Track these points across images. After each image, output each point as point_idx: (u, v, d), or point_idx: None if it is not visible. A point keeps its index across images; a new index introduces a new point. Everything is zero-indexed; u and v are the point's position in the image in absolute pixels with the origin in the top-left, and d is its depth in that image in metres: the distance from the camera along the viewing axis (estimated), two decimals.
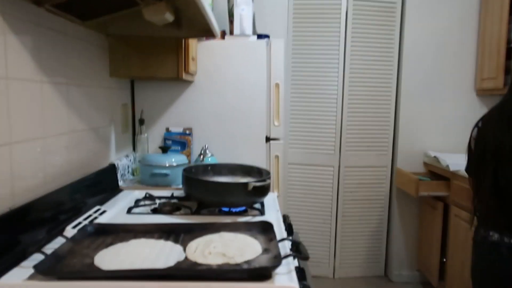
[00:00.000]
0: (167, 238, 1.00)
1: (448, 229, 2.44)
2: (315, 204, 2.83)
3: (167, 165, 1.64)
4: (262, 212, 1.30)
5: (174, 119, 1.93)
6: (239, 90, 1.93)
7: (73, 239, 0.95)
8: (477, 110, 2.76)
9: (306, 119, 2.75)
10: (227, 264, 0.84)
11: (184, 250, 0.92)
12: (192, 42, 1.71)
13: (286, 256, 0.85)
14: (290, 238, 0.93)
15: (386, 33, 2.70)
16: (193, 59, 1.72)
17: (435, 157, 2.58)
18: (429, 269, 2.66)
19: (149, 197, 1.47)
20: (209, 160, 1.82)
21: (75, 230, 1.03)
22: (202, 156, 1.81)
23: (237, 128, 1.95)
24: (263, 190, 1.30)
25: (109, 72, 1.64)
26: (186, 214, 1.28)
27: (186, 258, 0.87)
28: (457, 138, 2.79)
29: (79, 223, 1.10)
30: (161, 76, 1.59)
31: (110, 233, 1.01)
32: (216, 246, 0.93)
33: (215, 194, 1.24)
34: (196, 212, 1.28)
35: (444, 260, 2.51)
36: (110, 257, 0.85)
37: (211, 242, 0.95)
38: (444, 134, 2.79)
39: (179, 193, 1.54)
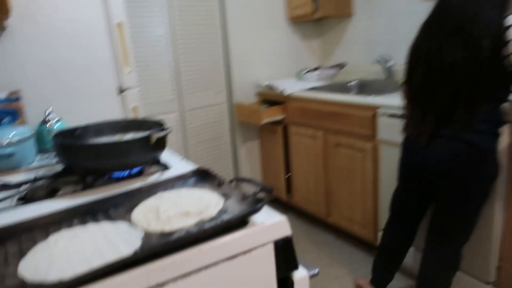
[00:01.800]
0: (95, 219, 0.77)
1: (289, 147, 2.76)
2: None
3: (9, 142, 1.23)
4: (165, 165, 1.15)
5: None
6: (74, 35, 1.56)
7: None
8: (290, 37, 3.07)
9: (140, 67, 2.50)
10: (204, 221, 0.71)
11: (131, 225, 0.73)
12: None
13: (257, 193, 0.78)
14: (244, 177, 0.85)
15: None
16: None
17: (268, 85, 2.79)
18: (276, 186, 2.98)
19: (3, 187, 1.09)
20: (56, 126, 1.46)
21: None
22: (47, 123, 1.44)
23: (81, 82, 1.61)
24: (164, 141, 1.14)
25: None
26: (76, 191, 1.01)
27: (146, 232, 0.70)
28: (278, 65, 3.07)
29: None
30: None
31: (5, 241, 0.71)
32: (167, 209, 0.77)
33: (113, 157, 1.01)
34: (89, 185, 1.03)
35: (289, 175, 2.86)
36: (45, 265, 0.60)
37: (157, 207, 0.78)
38: (268, 63, 3.02)
39: (43, 172, 1.20)
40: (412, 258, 1.91)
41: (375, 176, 2.10)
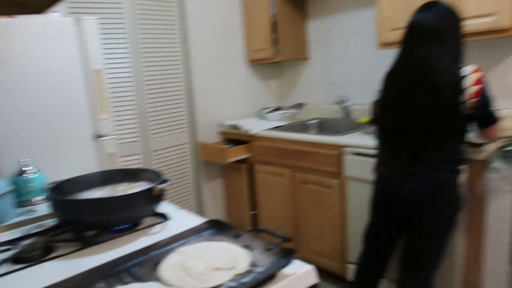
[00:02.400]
0: (121, 281, 0.76)
1: (255, 185, 2.81)
2: None
3: None
4: (164, 215, 1.15)
5: None
6: (50, 83, 1.52)
7: None
8: (250, 78, 3.19)
9: None
10: (240, 275, 0.74)
11: (163, 284, 0.73)
12: None
13: (278, 243, 0.82)
14: (261, 227, 0.89)
15: (168, 23, 2.71)
16: None
17: (232, 125, 2.85)
18: (242, 223, 2.99)
19: None
20: (35, 177, 1.39)
21: None
22: (23, 174, 1.37)
23: (58, 130, 1.55)
24: (163, 192, 1.14)
25: None
26: (78, 249, 0.98)
27: None
28: (238, 105, 3.16)
29: None
30: None
31: None
32: (194, 265, 0.78)
33: (118, 211, 1.00)
34: (91, 242, 1.00)
35: (255, 212, 2.89)
36: None
37: (182, 263, 0.79)
38: (228, 103, 3.10)
39: (30, 228, 1.14)
40: None
41: (343, 210, 2.21)
